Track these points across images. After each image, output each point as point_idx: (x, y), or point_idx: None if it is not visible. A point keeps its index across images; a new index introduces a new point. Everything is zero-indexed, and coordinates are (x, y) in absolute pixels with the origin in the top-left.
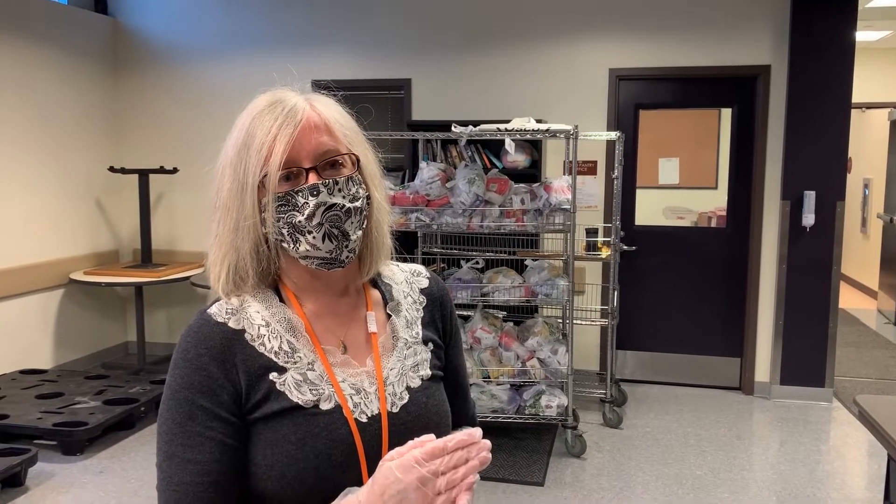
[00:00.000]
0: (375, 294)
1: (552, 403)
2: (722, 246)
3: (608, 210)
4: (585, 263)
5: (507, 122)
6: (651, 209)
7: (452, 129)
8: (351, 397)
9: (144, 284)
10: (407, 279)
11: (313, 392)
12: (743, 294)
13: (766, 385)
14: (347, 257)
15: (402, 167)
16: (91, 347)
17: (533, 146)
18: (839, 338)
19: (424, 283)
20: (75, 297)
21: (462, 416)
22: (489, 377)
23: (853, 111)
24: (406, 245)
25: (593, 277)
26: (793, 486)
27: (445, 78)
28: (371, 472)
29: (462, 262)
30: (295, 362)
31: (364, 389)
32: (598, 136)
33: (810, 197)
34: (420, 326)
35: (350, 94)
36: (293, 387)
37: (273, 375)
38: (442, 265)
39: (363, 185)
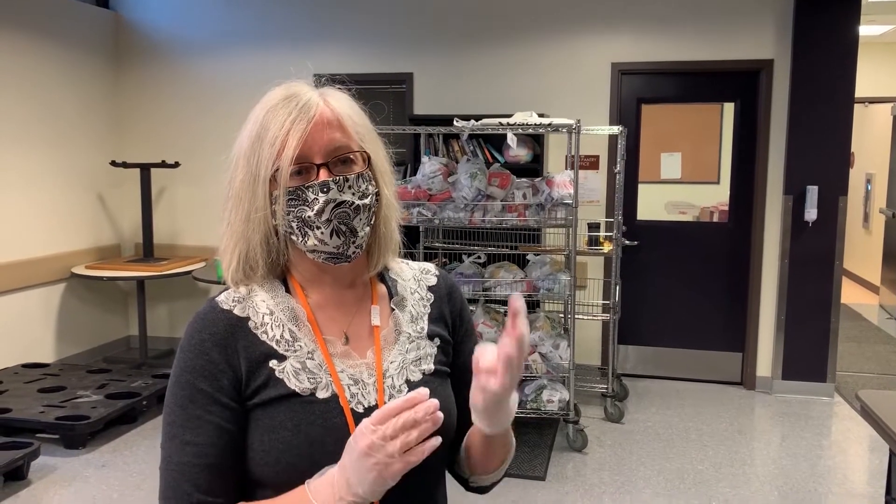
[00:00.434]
0: (382, 289)
1: (553, 398)
2: (724, 241)
3: (610, 205)
4: (587, 258)
5: (510, 116)
6: (653, 204)
7: (454, 123)
8: (348, 387)
9: (146, 278)
10: (415, 276)
11: (311, 380)
12: (745, 289)
13: (768, 380)
14: (354, 252)
15: (403, 162)
16: (93, 341)
17: (535, 140)
18: (841, 333)
19: (433, 281)
20: (77, 291)
21: None
22: None
23: (856, 106)
24: (408, 240)
25: (595, 272)
26: (794, 480)
27: (447, 72)
28: None
29: (464, 257)
30: (295, 351)
31: (362, 380)
32: (600, 131)
33: (812, 192)
34: (426, 322)
35: (352, 88)
36: (291, 374)
37: (273, 363)
38: (444, 260)
39: (373, 182)
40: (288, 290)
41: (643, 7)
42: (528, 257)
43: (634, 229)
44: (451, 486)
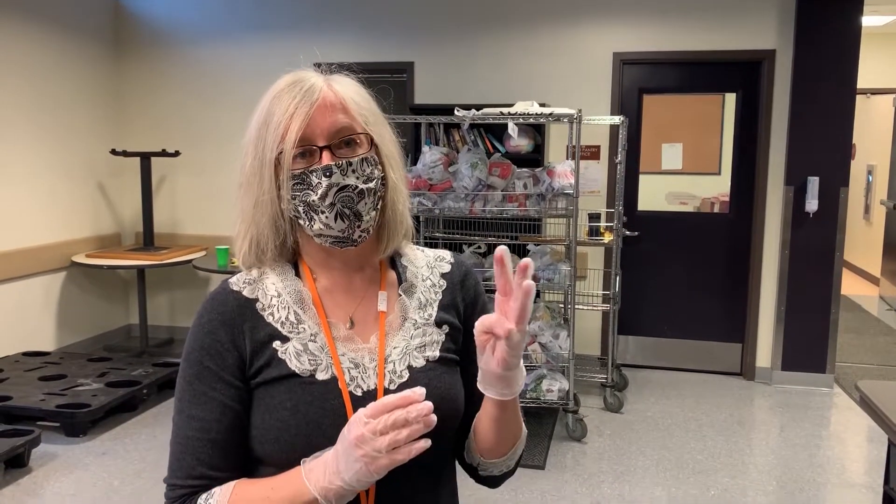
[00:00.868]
0: (392, 275)
1: (553, 388)
2: (724, 231)
3: (611, 195)
4: (588, 248)
5: (511, 105)
6: (654, 194)
7: (455, 112)
8: (348, 370)
9: (146, 267)
10: (429, 263)
11: (311, 362)
12: (745, 280)
13: (768, 371)
14: (360, 237)
15: (404, 151)
16: (93, 330)
17: (536, 130)
18: (841, 324)
19: (447, 268)
20: (77, 279)
21: None
22: None
23: (858, 97)
24: None
25: (595, 262)
26: (793, 470)
27: (448, 61)
28: None
29: (464, 247)
30: (298, 333)
31: (363, 365)
32: (601, 121)
33: (814, 183)
34: (436, 309)
35: (360, 75)
36: (293, 356)
37: (276, 344)
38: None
39: (378, 166)
40: (298, 274)
41: None
42: (528, 247)
43: (635, 220)
44: (461, 488)
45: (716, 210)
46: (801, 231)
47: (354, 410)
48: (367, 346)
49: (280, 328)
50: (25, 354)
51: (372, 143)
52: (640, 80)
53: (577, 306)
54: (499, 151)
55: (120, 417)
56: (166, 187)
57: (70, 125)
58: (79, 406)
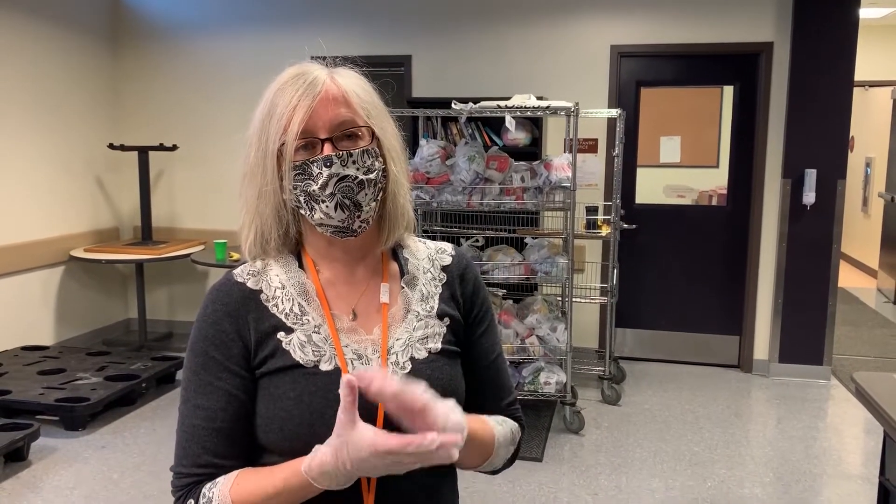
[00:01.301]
0: (394, 267)
1: (551, 380)
2: (722, 224)
3: (608, 188)
4: (585, 241)
5: (508, 99)
6: (651, 187)
7: (452, 105)
8: (352, 361)
9: (145, 261)
10: (430, 256)
11: (315, 353)
12: (742, 272)
13: (765, 363)
14: (360, 227)
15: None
16: (92, 324)
17: (533, 123)
18: (838, 316)
19: (447, 261)
20: (76, 274)
21: (492, 402)
22: None
23: (856, 89)
24: None
25: (593, 255)
26: (790, 462)
27: (446, 55)
28: None
29: (462, 241)
30: (303, 324)
31: (366, 356)
32: (598, 114)
33: (811, 175)
34: (437, 301)
35: (364, 68)
36: (297, 347)
37: (281, 335)
38: None
39: (379, 158)
40: (301, 266)
41: None
42: (526, 240)
43: (633, 213)
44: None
45: (713, 203)
46: (799, 224)
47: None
48: (371, 337)
49: (284, 319)
50: (24, 349)
51: (373, 135)
52: (638, 73)
53: (574, 299)
54: (496, 145)
55: (119, 411)
56: (164, 181)
57: (67, 119)
58: (78, 400)
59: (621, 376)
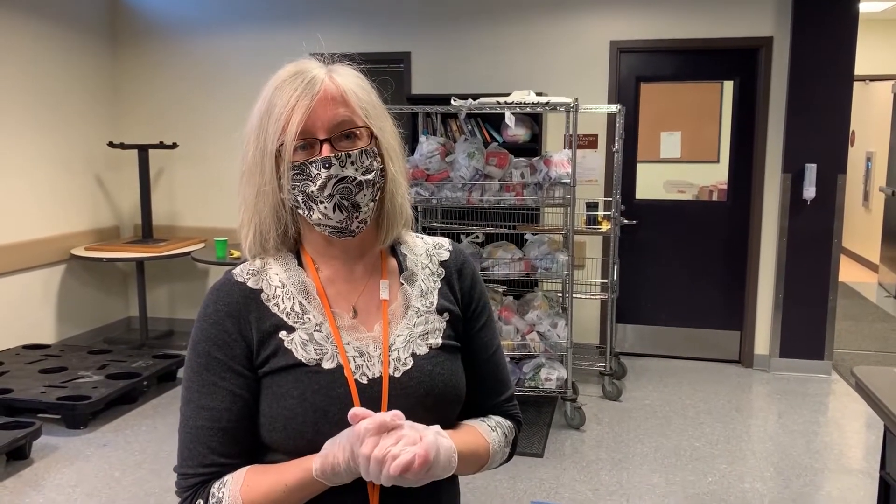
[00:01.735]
0: (392, 263)
1: (552, 376)
2: (722, 219)
3: (609, 184)
4: (585, 237)
5: (507, 95)
6: (652, 183)
7: (452, 102)
8: (354, 359)
9: (146, 260)
10: (428, 251)
11: (317, 351)
12: (743, 267)
13: (766, 358)
14: (358, 227)
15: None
16: (93, 322)
17: (533, 120)
18: (839, 311)
19: (445, 256)
20: (77, 272)
21: (490, 397)
22: None
23: (856, 83)
24: None
25: (593, 251)
26: (791, 457)
27: (445, 51)
28: None
29: (462, 237)
30: (304, 323)
31: (368, 353)
32: (598, 110)
33: (811, 170)
34: (436, 297)
35: (363, 65)
36: (299, 345)
37: (282, 334)
38: None
39: (378, 158)
40: (300, 265)
41: None
42: (526, 237)
43: (633, 208)
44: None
45: (714, 198)
46: (799, 218)
47: (360, 398)
48: (372, 334)
49: (286, 318)
50: (26, 347)
51: (372, 135)
52: (638, 69)
53: (575, 295)
54: (496, 141)
55: (120, 409)
56: (164, 179)
57: (67, 118)
58: (79, 398)
59: (622, 372)
